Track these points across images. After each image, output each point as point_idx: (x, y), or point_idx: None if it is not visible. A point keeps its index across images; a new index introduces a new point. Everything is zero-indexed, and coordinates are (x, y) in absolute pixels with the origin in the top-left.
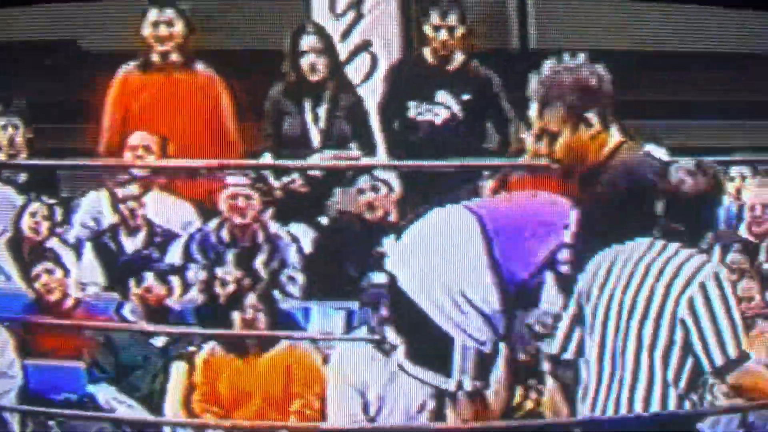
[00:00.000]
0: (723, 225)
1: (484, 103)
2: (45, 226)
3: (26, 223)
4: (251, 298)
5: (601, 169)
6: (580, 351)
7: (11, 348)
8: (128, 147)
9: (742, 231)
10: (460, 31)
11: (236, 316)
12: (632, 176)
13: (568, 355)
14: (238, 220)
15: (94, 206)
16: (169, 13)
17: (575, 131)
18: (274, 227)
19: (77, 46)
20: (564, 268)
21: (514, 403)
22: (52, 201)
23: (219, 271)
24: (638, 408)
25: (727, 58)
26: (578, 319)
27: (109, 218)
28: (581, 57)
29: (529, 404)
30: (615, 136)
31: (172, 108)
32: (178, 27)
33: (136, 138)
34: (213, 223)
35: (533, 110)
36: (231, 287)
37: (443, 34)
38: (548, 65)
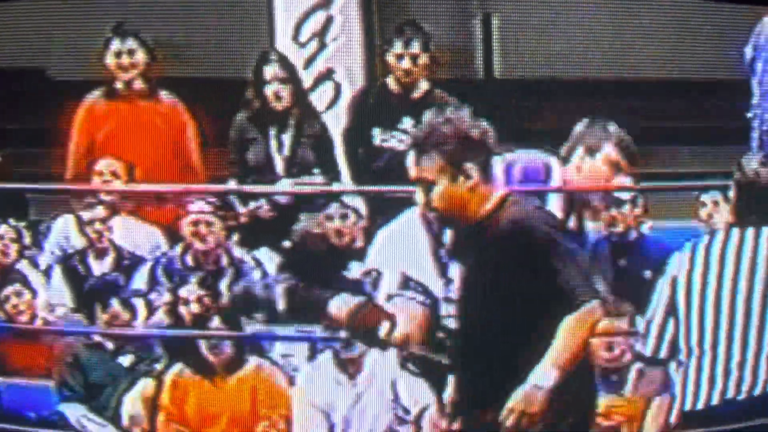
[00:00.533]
0: None
1: None
2: (13, 248)
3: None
4: (216, 321)
5: (485, 223)
6: (674, 350)
7: None
8: (95, 172)
9: None
10: (422, 60)
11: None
12: (522, 230)
13: (662, 354)
14: (199, 245)
15: (63, 231)
16: (131, 43)
17: (453, 182)
18: (238, 252)
19: (44, 74)
20: None
21: None
22: (19, 224)
23: (182, 291)
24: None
25: (687, 84)
26: (670, 317)
27: (76, 241)
28: (465, 110)
29: None
30: (498, 189)
31: (137, 135)
32: (140, 56)
33: (103, 164)
34: (178, 248)
35: (410, 159)
36: (194, 307)
37: (406, 63)
38: (429, 114)
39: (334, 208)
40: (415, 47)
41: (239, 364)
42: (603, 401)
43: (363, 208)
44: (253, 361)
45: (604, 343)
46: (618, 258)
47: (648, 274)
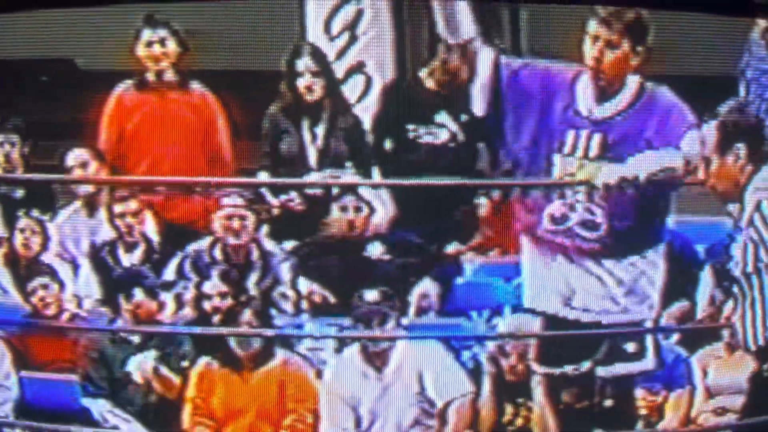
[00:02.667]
0: None
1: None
2: (36, 241)
3: (18, 238)
4: (247, 315)
5: None
6: None
7: (8, 361)
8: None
9: None
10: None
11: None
12: None
13: None
14: (232, 240)
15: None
16: (162, 32)
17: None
18: (268, 245)
19: (74, 64)
20: None
21: (504, 420)
22: (44, 216)
23: (206, 287)
24: None
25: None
26: None
27: (106, 234)
28: None
29: (519, 422)
30: None
31: (167, 127)
32: (171, 46)
33: (72, 156)
34: (206, 243)
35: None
36: (217, 301)
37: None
38: None
39: (349, 200)
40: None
41: (267, 358)
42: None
43: (389, 202)
44: (280, 354)
45: None
46: None
47: None
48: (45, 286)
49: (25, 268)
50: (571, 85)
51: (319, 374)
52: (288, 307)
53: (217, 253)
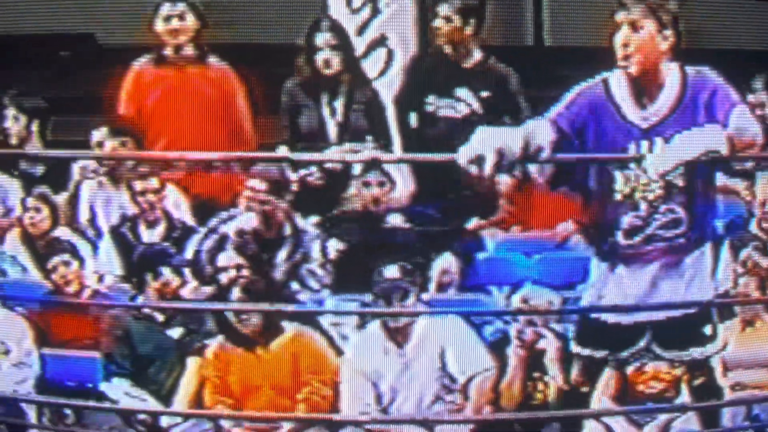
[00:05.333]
0: None
1: (502, 100)
2: (43, 219)
3: (24, 216)
4: (264, 290)
5: None
6: None
7: (29, 338)
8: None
9: None
10: (470, 28)
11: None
12: None
13: None
14: (256, 216)
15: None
16: (181, 6)
17: None
18: (298, 221)
19: (93, 39)
20: None
21: (525, 396)
22: (56, 194)
23: (221, 259)
24: None
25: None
26: None
27: (127, 210)
28: None
29: (539, 396)
30: None
31: (186, 102)
32: (190, 20)
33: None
34: (231, 218)
35: None
36: (231, 274)
37: (451, 26)
38: None
39: (373, 176)
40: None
41: (275, 332)
42: (648, 368)
43: (410, 176)
44: (291, 327)
45: None
46: None
47: None
48: (66, 263)
49: (45, 246)
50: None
51: (339, 350)
52: (313, 283)
53: (243, 228)
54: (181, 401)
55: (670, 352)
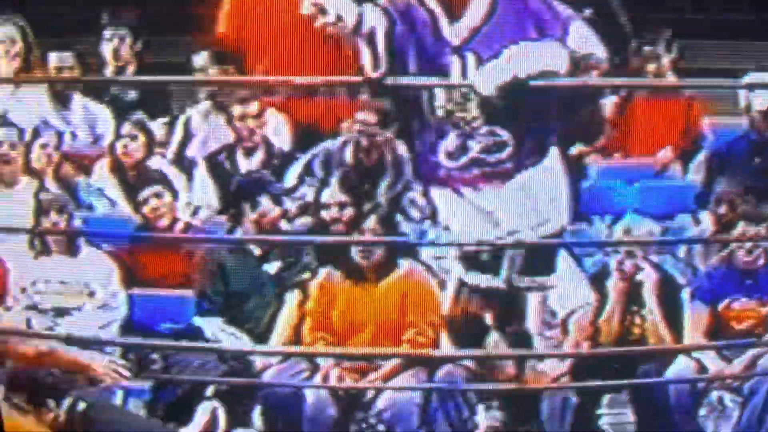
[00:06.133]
0: None
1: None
2: (138, 148)
3: (120, 145)
4: (371, 222)
5: None
6: None
7: (116, 277)
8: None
9: None
10: None
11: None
12: None
13: None
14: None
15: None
16: None
17: None
18: (400, 149)
19: None
20: None
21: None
22: (151, 121)
23: (324, 195)
24: None
25: None
26: None
27: (225, 137)
28: None
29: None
30: None
31: (289, 21)
32: None
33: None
34: (336, 143)
35: None
36: (335, 211)
37: None
38: None
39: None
40: None
41: (390, 268)
42: (737, 305)
43: None
44: (404, 265)
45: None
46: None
47: None
48: (158, 195)
49: (136, 177)
50: None
51: (442, 284)
52: (415, 213)
53: (348, 155)
54: (278, 338)
55: None
